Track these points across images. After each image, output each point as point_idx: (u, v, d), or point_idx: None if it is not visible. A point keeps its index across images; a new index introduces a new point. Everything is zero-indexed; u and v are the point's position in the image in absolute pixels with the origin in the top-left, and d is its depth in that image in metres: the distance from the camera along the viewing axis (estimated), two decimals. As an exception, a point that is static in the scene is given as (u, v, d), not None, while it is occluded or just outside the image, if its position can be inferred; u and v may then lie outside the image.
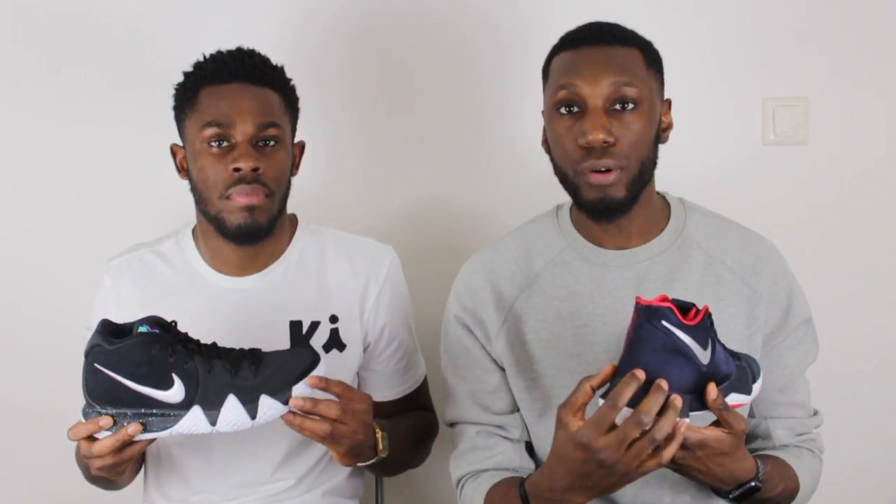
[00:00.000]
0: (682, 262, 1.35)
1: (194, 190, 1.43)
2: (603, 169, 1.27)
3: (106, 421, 1.17)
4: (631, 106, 1.27)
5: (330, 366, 1.45)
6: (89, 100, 1.85)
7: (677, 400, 1.08)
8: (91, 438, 1.19)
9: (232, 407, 1.18)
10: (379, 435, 1.33)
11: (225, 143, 1.38)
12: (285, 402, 1.19)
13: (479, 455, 1.39)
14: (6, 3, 1.84)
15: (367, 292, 1.50)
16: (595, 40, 1.30)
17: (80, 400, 1.21)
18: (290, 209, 1.51)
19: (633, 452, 1.08)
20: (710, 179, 1.88)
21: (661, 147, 1.37)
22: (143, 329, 1.17)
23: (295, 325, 1.46)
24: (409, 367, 1.57)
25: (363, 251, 1.53)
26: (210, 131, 1.38)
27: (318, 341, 1.46)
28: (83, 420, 1.19)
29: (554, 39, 1.36)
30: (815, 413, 1.41)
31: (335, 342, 1.47)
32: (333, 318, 1.48)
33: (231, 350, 1.22)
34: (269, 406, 1.19)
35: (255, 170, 1.37)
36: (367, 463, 1.35)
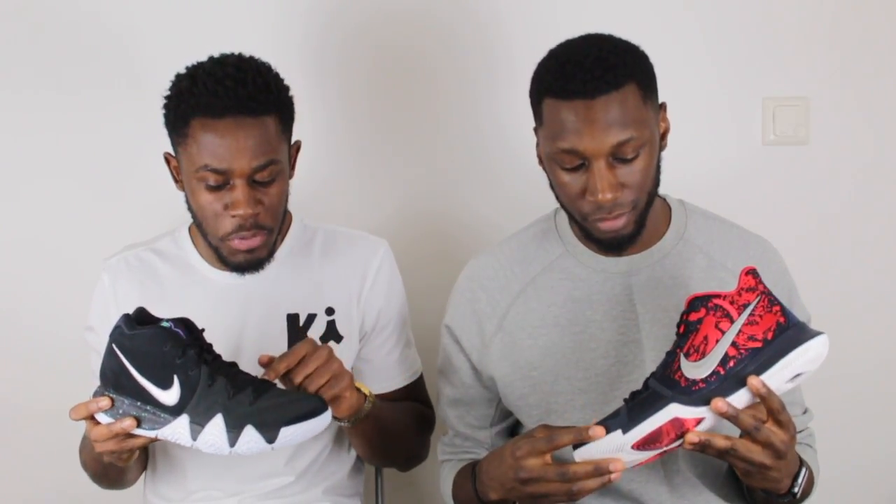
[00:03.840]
0: (682, 267, 1.35)
1: (192, 211, 1.41)
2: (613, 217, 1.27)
3: (104, 402, 1.18)
4: (634, 155, 1.24)
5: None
6: (85, 102, 1.85)
7: (617, 472, 1.12)
8: (95, 421, 1.20)
9: (215, 427, 1.16)
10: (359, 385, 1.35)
11: (222, 183, 1.34)
12: (270, 441, 1.15)
13: (458, 448, 1.48)
14: (2, 6, 1.84)
15: (363, 282, 1.50)
16: (590, 93, 1.22)
17: (78, 401, 1.21)
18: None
19: (546, 488, 1.16)
20: (710, 180, 1.88)
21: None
22: (165, 324, 1.18)
23: (292, 319, 1.47)
24: (404, 360, 1.56)
25: (357, 243, 1.54)
26: (205, 174, 1.33)
27: (314, 333, 1.46)
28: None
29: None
30: (806, 410, 1.42)
31: (332, 334, 1.47)
32: (330, 311, 1.48)
33: (242, 373, 1.22)
34: (250, 438, 1.15)
35: (255, 215, 1.35)
36: (360, 413, 1.34)
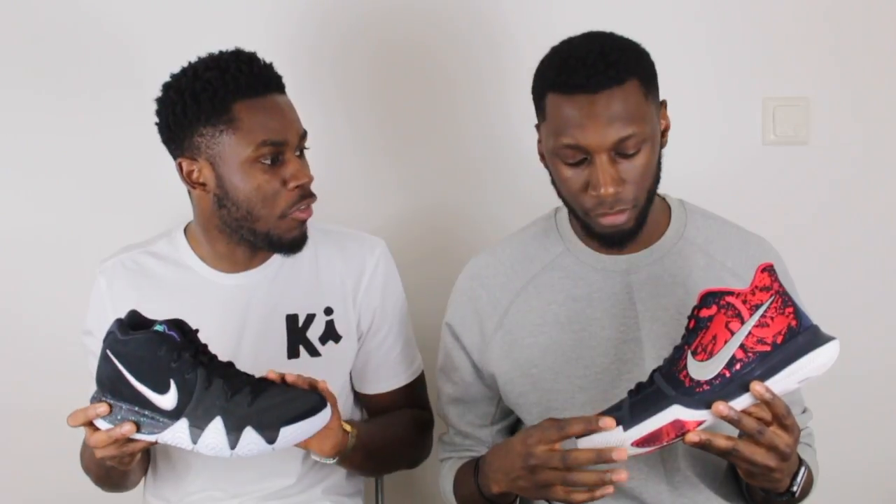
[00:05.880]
0: (682, 266, 1.36)
1: (234, 205, 1.39)
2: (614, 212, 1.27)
3: (103, 408, 1.17)
4: (636, 150, 1.25)
5: (326, 358, 1.46)
6: (85, 103, 1.86)
7: (618, 473, 1.12)
8: (93, 427, 1.19)
9: (215, 430, 1.15)
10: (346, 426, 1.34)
11: (274, 159, 1.38)
12: (271, 442, 1.15)
13: (459, 446, 1.49)
14: (2, 7, 1.84)
15: (359, 280, 1.51)
16: (592, 87, 1.23)
17: (78, 403, 1.21)
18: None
19: (549, 476, 1.15)
20: (710, 179, 1.88)
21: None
22: (158, 328, 1.17)
23: (291, 319, 1.47)
24: (403, 359, 1.56)
25: (354, 242, 1.54)
26: (265, 150, 1.36)
27: (314, 334, 1.47)
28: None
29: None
30: (805, 410, 1.42)
31: (331, 334, 1.48)
32: (328, 311, 1.48)
33: (239, 373, 1.21)
34: (251, 440, 1.15)
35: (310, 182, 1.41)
36: (343, 450, 1.32)
